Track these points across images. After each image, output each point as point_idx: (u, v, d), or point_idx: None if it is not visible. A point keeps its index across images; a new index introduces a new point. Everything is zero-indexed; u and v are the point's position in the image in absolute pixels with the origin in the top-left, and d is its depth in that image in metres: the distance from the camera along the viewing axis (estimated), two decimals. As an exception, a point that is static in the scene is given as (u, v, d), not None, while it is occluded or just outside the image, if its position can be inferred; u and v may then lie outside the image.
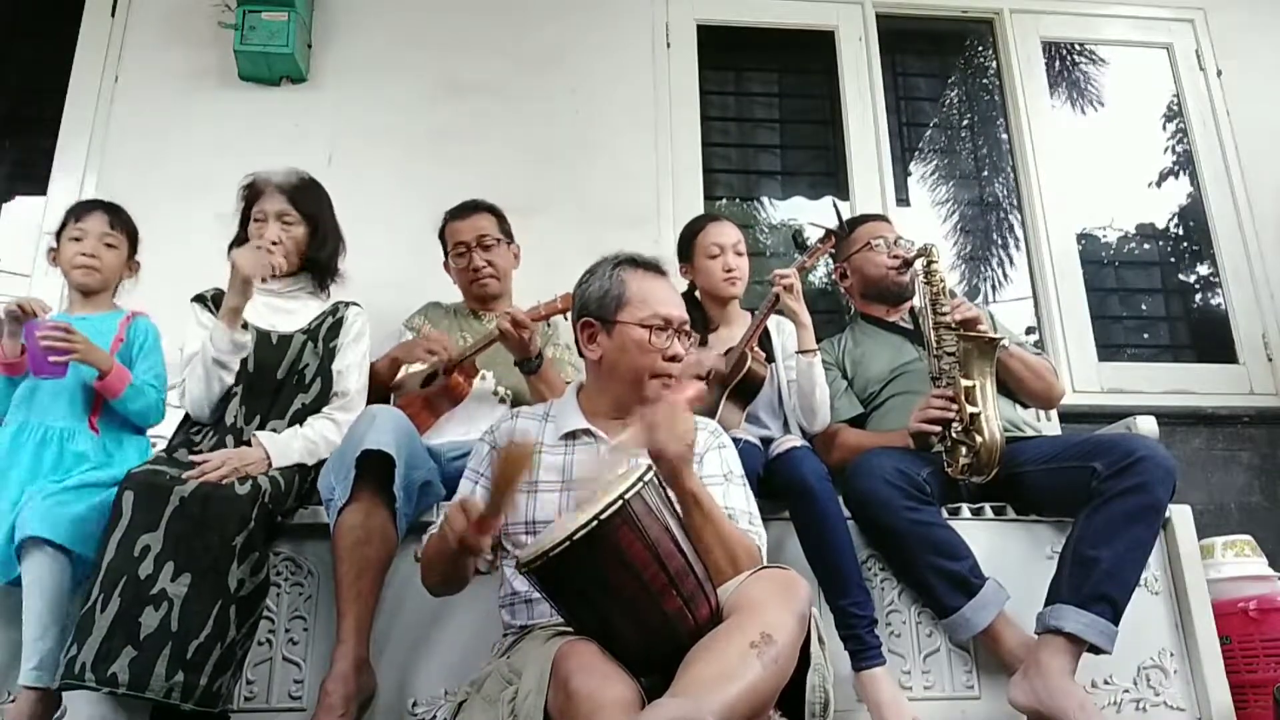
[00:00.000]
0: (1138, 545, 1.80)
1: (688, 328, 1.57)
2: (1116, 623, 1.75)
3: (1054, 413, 2.60)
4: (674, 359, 1.53)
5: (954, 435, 1.98)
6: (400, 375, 2.26)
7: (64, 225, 2.09)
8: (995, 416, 1.96)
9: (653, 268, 1.62)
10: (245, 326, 1.98)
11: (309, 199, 2.15)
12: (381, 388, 2.24)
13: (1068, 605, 1.75)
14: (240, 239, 2.15)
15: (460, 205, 2.45)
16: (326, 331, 2.10)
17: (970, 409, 1.95)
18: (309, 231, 2.14)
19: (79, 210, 2.12)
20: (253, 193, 2.14)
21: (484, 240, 2.36)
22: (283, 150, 2.52)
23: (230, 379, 1.96)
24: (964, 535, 1.94)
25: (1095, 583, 1.74)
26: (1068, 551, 1.83)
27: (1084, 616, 1.73)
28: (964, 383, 1.98)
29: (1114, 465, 1.82)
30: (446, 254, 2.46)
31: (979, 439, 1.93)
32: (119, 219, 2.12)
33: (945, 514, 1.99)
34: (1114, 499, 1.80)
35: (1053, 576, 1.84)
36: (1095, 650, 1.75)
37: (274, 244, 2.05)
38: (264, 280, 1.97)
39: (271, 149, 2.71)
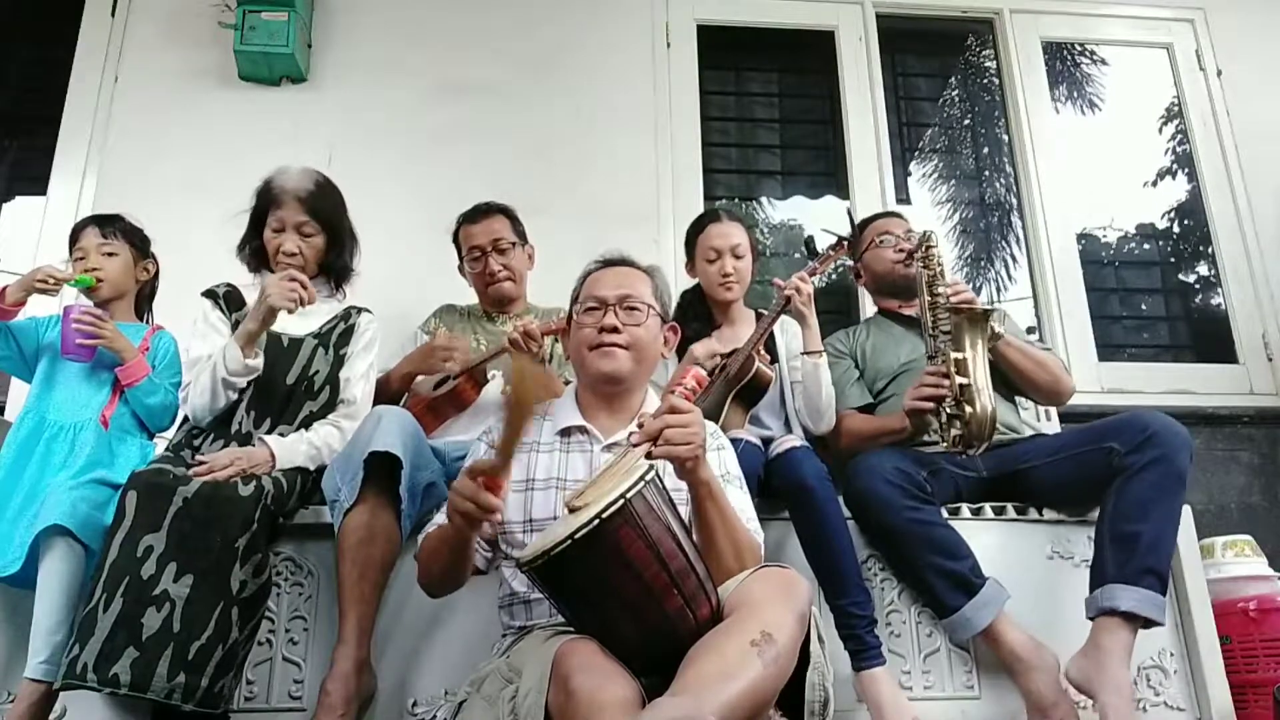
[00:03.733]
0: (1170, 514, 1.83)
1: (631, 304, 1.57)
2: (1164, 593, 1.78)
3: (1054, 413, 2.60)
4: (604, 329, 1.55)
5: (948, 410, 1.98)
6: (414, 382, 2.25)
7: (70, 251, 2.15)
8: (987, 388, 1.96)
9: (609, 262, 1.67)
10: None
11: (326, 206, 2.12)
12: (394, 399, 2.22)
13: (1117, 585, 1.77)
14: (247, 241, 2.14)
15: (474, 208, 2.43)
16: (338, 338, 2.09)
17: (960, 380, 1.95)
18: (327, 241, 2.12)
19: (73, 232, 2.17)
20: (269, 198, 2.11)
21: (499, 244, 2.35)
22: (282, 150, 2.52)
23: (236, 395, 1.96)
24: (964, 535, 1.93)
25: (1140, 557, 1.77)
26: (1104, 531, 1.85)
27: (1135, 593, 1.75)
28: (954, 355, 1.99)
29: (1132, 441, 1.85)
30: (461, 257, 2.44)
31: (968, 409, 1.94)
32: (112, 226, 2.15)
33: (945, 514, 1.99)
34: (1140, 472, 1.82)
35: (1093, 559, 1.86)
36: (1148, 624, 1.78)
37: (291, 255, 2.06)
38: (290, 312, 1.94)
39: (271, 149, 2.71)
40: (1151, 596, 1.76)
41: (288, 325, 2.05)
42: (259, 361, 1.94)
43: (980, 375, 1.97)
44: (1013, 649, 1.85)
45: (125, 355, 2.02)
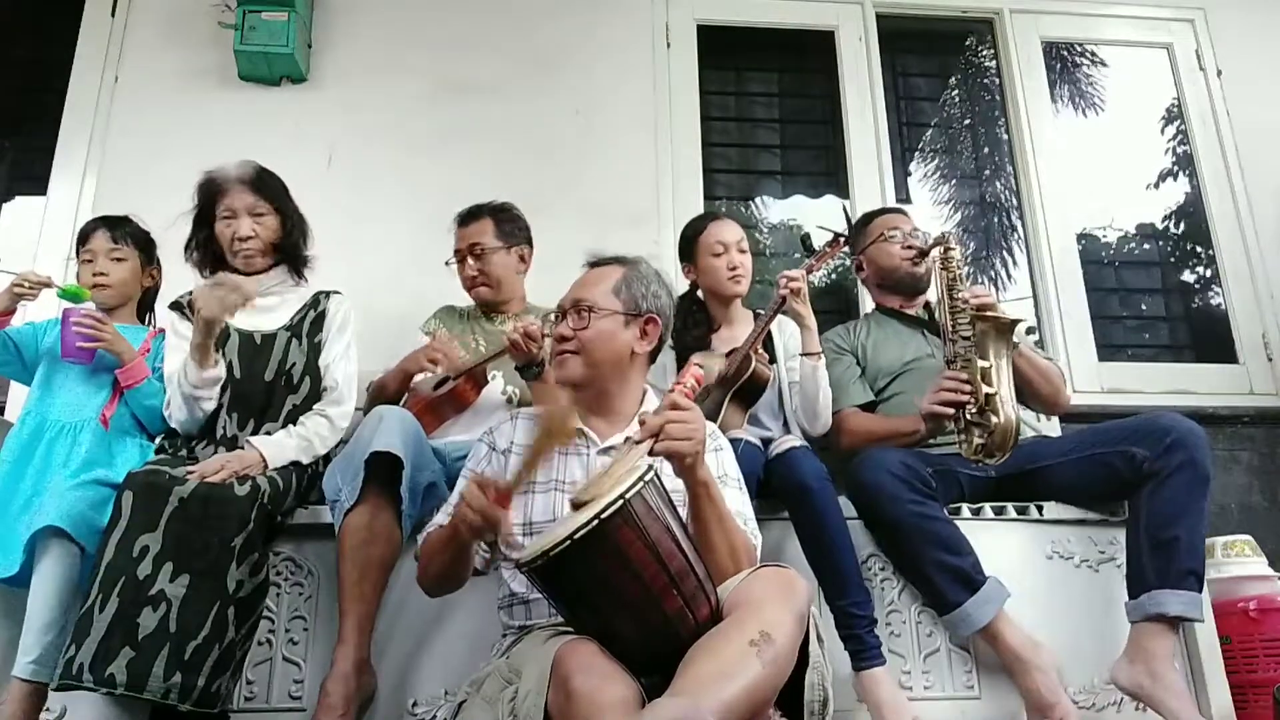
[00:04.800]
0: (1201, 514, 1.87)
1: (579, 307, 1.58)
2: (1201, 590, 1.83)
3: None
4: (556, 338, 1.60)
5: (968, 417, 1.97)
6: (414, 382, 2.24)
7: (78, 250, 2.15)
8: (1011, 398, 1.96)
9: (588, 264, 1.68)
10: (226, 340, 1.97)
11: (273, 188, 2.10)
12: (394, 399, 2.21)
13: (1163, 590, 1.82)
14: (193, 240, 2.11)
15: (466, 211, 2.42)
16: (310, 326, 2.08)
17: (986, 389, 1.95)
18: (280, 221, 2.09)
19: (83, 233, 2.17)
20: (213, 190, 2.08)
21: (475, 249, 2.33)
22: (283, 150, 2.51)
23: (211, 405, 1.95)
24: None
25: (1180, 560, 1.82)
26: (1140, 536, 1.88)
27: (1181, 596, 1.81)
28: (980, 364, 1.98)
29: (1157, 446, 1.88)
30: None
31: (994, 419, 1.93)
32: (122, 231, 2.15)
33: (946, 513, 1.99)
34: (1170, 478, 1.86)
35: (1130, 565, 1.90)
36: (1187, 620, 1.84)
37: (246, 238, 2.03)
38: (230, 317, 1.93)
39: (271, 149, 2.69)
40: (1195, 598, 1.82)
41: (259, 323, 2.04)
42: (219, 370, 1.93)
43: (1005, 385, 1.97)
44: (1012, 648, 1.85)
45: (125, 357, 2.02)
